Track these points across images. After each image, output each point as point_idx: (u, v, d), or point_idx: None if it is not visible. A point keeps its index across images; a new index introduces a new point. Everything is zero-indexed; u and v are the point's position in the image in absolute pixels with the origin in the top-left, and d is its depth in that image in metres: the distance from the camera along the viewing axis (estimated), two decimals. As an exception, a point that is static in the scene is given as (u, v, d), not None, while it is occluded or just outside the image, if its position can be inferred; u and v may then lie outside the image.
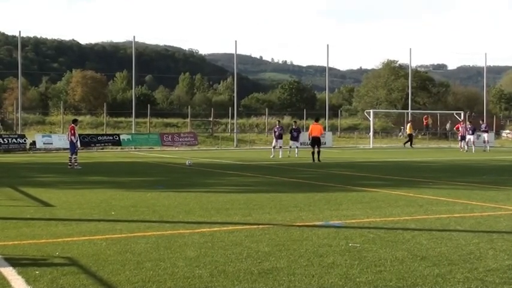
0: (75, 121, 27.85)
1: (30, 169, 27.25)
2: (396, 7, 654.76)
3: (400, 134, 67.82)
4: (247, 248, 8.47)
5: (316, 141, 30.10)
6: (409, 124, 52.03)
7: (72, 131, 26.43)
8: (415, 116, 67.21)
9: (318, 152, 29.78)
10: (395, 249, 8.47)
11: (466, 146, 43.28)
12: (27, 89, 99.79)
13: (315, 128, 30.50)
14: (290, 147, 35.72)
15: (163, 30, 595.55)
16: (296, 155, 34.83)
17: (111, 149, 46.12)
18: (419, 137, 63.47)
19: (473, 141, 43.26)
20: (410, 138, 50.55)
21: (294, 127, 36.06)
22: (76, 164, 26.00)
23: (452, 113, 63.00)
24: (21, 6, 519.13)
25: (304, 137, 40.23)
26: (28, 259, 7.84)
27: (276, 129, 35.59)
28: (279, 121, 38.52)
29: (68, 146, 27.60)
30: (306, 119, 68.60)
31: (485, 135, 46.31)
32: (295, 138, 35.42)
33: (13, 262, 7.56)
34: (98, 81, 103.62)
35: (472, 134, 43.38)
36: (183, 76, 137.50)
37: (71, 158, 26.25)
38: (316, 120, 32.03)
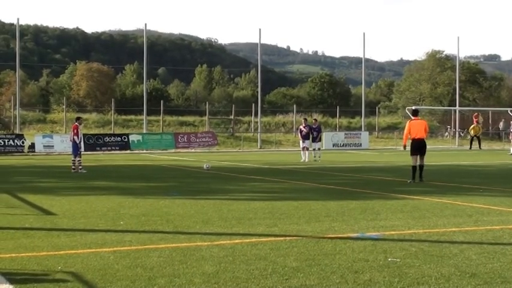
0: (78, 119, 28.01)
1: (29, 173, 27.49)
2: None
3: (447, 134, 67.42)
4: (273, 263, 8.47)
5: (419, 147, 21.45)
6: (473, 125, 52.01)
7: (75, 131, 26.58)
8: (463, 114, 66.75)
9: (421, 167, 21.43)
10: (441, 265, 8.42)
11: (511, 149, 43.27)
12: (26, 83, 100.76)
13: (415, 125, 21.65)
14: (314, 149, 35.65)
15: (178, 17, 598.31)
16: (319, 158, 34.78)
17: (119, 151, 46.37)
18: (468, 137, 63.05)
19: None
20: (478, 139, 51.29)
21: (313, 126, 35.95)
22: (80, 167, 26.17)
23: (507, 111, 62.43)
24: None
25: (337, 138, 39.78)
26: (27, 274, 7.91)
27: (302, 128, 35.48)
28: (305, 119, 38.41)
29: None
30: (339, 117, 68.48)
31: None
32: (314, 139, 35.33)
33: (10, 277, 7.63)
34: (104, 75, 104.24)
35: None
36: (200, 69, 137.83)
37: (74, 160, 26.42)
38: (415, 114, 22.88)
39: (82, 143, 27.30)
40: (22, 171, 28.79)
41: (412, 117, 22.39)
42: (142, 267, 8.20)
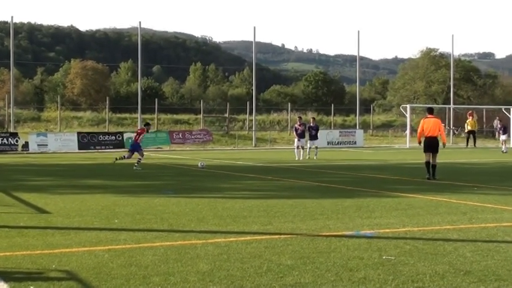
0: (148, 125, 29.43)
1: (23, 171, 27.44)
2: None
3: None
4: (268, 261, 8.48)
5: (431, 145, 21.67)
6: (469, 119, 51.74)
7: (141, 135, 27.88)
8: (458, 112, 66.81)
9: (433, 166, 21.53)
10: (435, 262, 8.44)
11: (503, 147, 43.45)
12: (20, 81, 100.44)
13: (428, 123, 21.75)
14: (310, 147, 35.70)
15: (172, 15, 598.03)
16: (315, 157, 34.80)
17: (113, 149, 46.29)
18: (463, 135, 63.17)
19: (504, 141, 43.78)
20: (473, 136, 50.64)
21: (311, 124, 36.01)
22: (136, 165, 26.78)
23: (501, 108, 62.56)
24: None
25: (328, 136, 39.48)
26: (21, 272, 7.89)
27: (297, 127, 35.52)
28: (300, 117, 38.43)
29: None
30: (334, 114, 68.52)
31: None
32: (313, 137, 35.39)
33: (5, 276, 7.61)
34: (99, 73, 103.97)
35: (504, 133, 44.13)
36: (195, 67, 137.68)
37: (140, 159, 27.40)
38: (430, 112, 22.61)
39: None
40: (16, 169, 28.74)
41: (427, 115, 22.31)
42: (137, 266, 8.20)
